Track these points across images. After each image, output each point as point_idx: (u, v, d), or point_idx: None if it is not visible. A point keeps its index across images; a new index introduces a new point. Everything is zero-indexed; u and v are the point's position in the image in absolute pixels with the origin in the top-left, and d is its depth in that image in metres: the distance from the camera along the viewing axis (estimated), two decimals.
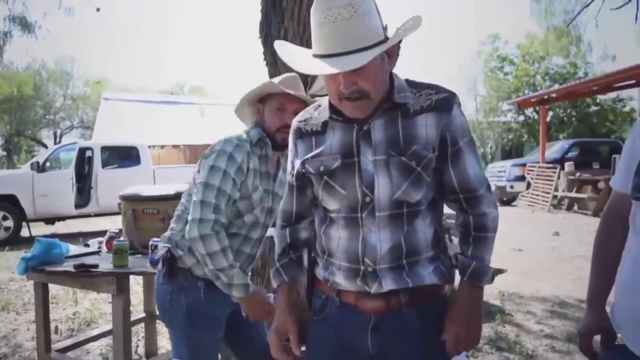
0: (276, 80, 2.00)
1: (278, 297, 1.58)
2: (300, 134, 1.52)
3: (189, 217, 1.84)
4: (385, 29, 1.34)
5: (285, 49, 1.42)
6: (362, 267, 1.39)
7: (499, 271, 1.49)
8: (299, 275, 1.59)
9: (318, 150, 1.45)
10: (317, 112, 1.50)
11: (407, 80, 1.44)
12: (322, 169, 1.43)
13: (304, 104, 1.98)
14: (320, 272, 1.51)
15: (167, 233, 2.05)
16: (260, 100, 2.05)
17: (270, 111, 2.01)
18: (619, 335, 1.34)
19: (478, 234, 1.42)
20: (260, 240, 2.12)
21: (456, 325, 1.40)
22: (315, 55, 1.31)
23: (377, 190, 1.36)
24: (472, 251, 1.42)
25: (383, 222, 1.37)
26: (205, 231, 1.80)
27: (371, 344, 1.42)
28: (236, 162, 1.89)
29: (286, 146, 1.91)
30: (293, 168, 1.54)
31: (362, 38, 1.25)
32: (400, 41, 1.42)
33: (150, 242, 2.51)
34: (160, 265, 2.01)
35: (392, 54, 1.38)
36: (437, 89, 1.40)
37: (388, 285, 1.37)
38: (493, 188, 1.54)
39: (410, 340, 1.41)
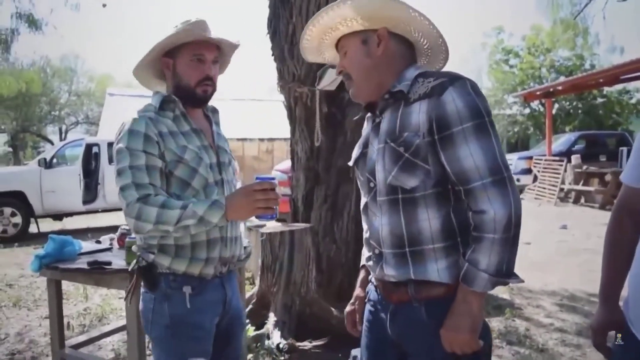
0: (184, 26, 1.73)
1: (359, 275, 1.71)
2: (366, 122, 1.63)
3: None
4: None
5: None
6: (371, 250, 1.48)
7: (510, 279, 1.34)
8: None
9: (358, 141, 1.60)
10: None
11: (423, 72, 1.42)
12: (353, 158, 1.58)
13: (219, 49, 1.84)
14: None
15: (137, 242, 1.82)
16: (167, 55, 1.79)
17: (185, 64, 1.77)
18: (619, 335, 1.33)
19: (475, 233, 1.30)
20: None
21: (446, 330, 1.33)
22: None
23: (377, 176, 1.42)
24: (470, 252, 1.30)
25: (384, 207, 1.41)
26: (133, 211, 1.58)
27: (390, 330, 1.48)
28: (139, 134, 1.66)
29: (208, 99, 1.86)
30: None
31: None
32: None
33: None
34: (136, 275, 1.79)
35: (382, 39, 1.44)
36: (440, 75, 1.36)
37: (390, 270, 1.41)
38: None
39: (422, 337, 1.40)
